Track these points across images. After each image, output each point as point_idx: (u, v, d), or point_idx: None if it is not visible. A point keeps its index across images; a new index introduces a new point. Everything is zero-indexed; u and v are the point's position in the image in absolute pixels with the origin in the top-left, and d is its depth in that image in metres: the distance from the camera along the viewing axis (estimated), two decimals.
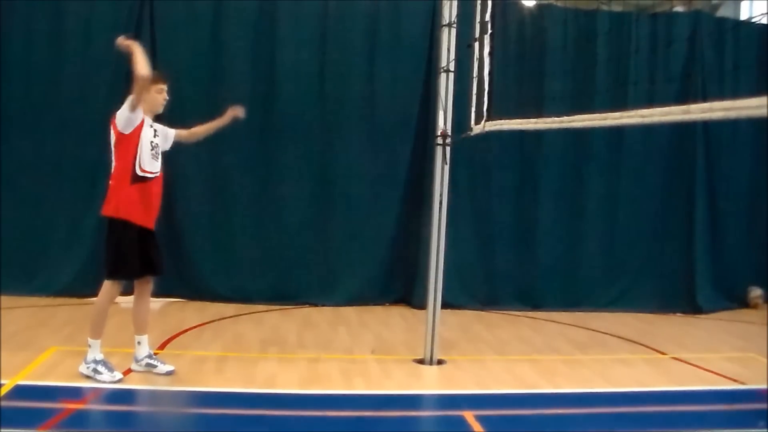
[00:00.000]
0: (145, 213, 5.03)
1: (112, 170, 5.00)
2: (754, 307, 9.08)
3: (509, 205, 8.56)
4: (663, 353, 6.74)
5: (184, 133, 5.50)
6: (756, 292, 9.13)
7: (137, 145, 4.96)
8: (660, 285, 8.86)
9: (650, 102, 4.67)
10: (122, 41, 4.83)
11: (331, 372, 5.56)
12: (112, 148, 5.00)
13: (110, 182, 5.01)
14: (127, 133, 4.92)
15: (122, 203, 4.94)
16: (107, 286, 5.01)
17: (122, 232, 4.95)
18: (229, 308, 7.73)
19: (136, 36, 7.77)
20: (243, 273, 8.14)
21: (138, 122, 4.94)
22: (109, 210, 4.98)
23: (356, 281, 8.34)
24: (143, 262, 5.09)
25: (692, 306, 8.82)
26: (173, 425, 4.39)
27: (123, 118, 4.89)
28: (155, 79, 5.03)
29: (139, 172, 4.97)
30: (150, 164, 5.04)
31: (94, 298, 5.16)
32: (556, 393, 5.36)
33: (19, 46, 7.77)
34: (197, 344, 6.28)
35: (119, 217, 4.94)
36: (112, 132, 4.98)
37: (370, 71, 8.27)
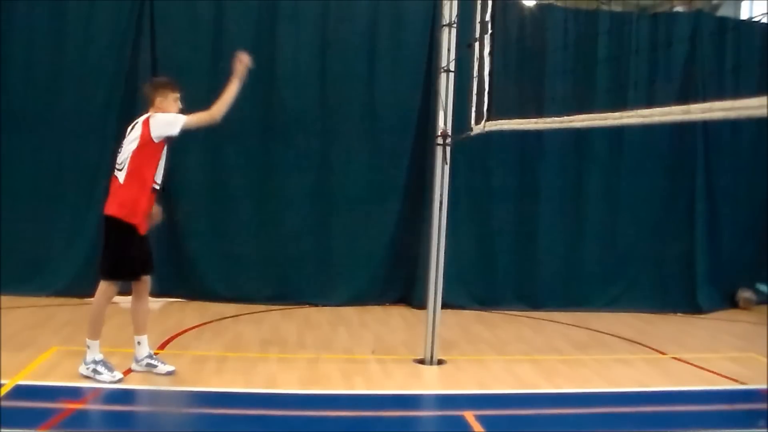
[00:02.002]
0: (147, 222, 5.09)
1: (126, 172, 4.92)
2: (745, 308, 9.07)
3: (509, 205, 8.55)
4: (663, 353, 6.74)
5: None
6: (744, 295, 9.12)
7: (160, 156, 5.02)
8: (660, 285, 8.86)
9: (650, 102, 4.67)
10: (244, 62, 4.96)
11: (331, 372, 5.56)
12: (131, 149, 4.93)
13: (124, 185, 4.93)
14: (156, 141, 4.94)
15: (138, 211, 4.95)
16: (104, 286, 5.00)
17: (127, 236, 4.95)
18: (229, 308, 7.72)
19: (136, 35, 7.84)
20: (243, 273, 8.13)
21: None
22: (121, 212, 4.93)
23: (356, 281, 8.33)
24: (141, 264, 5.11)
25: (692, 306, 8.82)
26: (173, 425, 4.38)
27: (169, 130, 4.92)
28: (173, 88, 5.12)
29: (153, 184, 5.03)
30: (160, 177, 5.08)
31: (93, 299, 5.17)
32: (556, 393, 5.36)
33: (20, 46, 7.76)
34: (197, 344, 6.28)
35: (128, 222, 4.94)
36: (140, 132, 4.93)
37: (370, 71, 8.27)
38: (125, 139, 5.03)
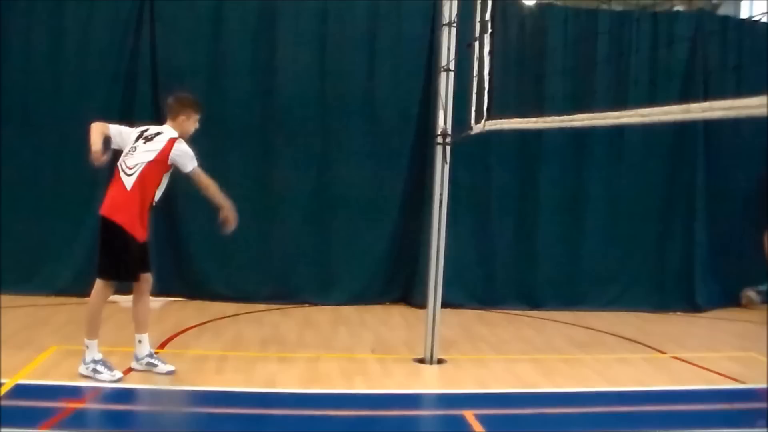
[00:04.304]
0: (146, 233, 5.12)
1: (135, 180, 4.91)
2: (747, 307, 9.07)
3: (509, 204, 8.55)
4: (663, 352, 6.74)
5: None
6: (748, 293, 9.11)
7: (167, 175, 5.06)
8: (660, 284, 8.86)
9: (651, 101, 4.66)
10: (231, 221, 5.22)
11: (331, 371, 5.56)
12: (146, 158, 4.93)
13: (130, 192, 4.92)
14: (169, 163, 4.99)
15: (137, 223, 4.96)
16: (100, 285, 5.00)
17: (128, 241, 4.95)
18: (229, 308, 7.72)
19: (136, 36, 7.84)
20: (243, 273, 8.13)
21: None
22: (119, 218, 4.93)
23: (356, 281, 8.33)
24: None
25: (692, 305, 8.82)
26: (173, 425, 4.38)
27: (182, 164, 5.00)
28: (198, 109, 5.19)
29: (153, 201, 5.07)
30: (159, 195, 5.12)
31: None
32: (556, 392, 5.36)
33: (19, 46, 7.76)
34: (197, 344, 6.28)
35: (129, 231, 4.95)
36: (162, 147, 4.95)
37: (370, 71, 8.27)
38: (141, 143, 5.01)
